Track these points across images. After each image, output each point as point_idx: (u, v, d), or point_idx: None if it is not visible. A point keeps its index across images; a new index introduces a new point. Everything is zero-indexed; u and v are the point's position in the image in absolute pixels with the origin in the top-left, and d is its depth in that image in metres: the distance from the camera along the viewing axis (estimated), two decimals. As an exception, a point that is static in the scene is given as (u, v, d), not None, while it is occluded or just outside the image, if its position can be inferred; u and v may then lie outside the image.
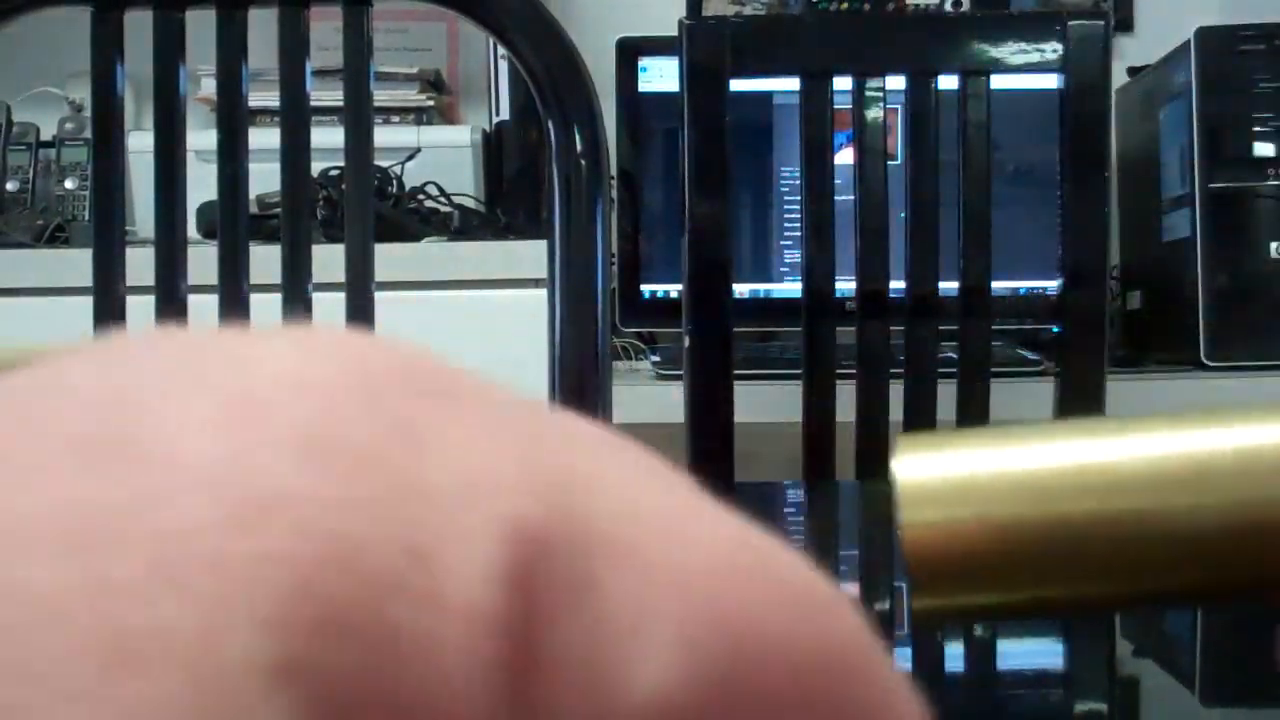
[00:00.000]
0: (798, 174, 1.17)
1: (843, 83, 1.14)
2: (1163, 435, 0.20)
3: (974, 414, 1.14)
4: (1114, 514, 0.19)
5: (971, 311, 1.15)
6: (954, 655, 0.46)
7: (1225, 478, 0.19)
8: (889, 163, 1.15)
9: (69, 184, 1.96)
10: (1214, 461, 0.19)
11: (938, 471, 0.20)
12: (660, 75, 1.94)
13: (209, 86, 1.82)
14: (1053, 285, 1.22)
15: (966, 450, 0.20)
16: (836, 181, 1.15)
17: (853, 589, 0.59)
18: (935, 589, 0.20)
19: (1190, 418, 0.20)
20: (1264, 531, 0.19)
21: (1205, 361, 1.60)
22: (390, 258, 1.46)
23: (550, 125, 0.91)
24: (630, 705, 0.11)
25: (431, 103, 2.00)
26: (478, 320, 1.59)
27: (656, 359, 1.66)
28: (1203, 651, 0.53)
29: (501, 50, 0.96)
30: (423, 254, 1.64)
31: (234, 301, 0.93)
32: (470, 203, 1.88)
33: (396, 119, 1.97)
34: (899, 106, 1.15)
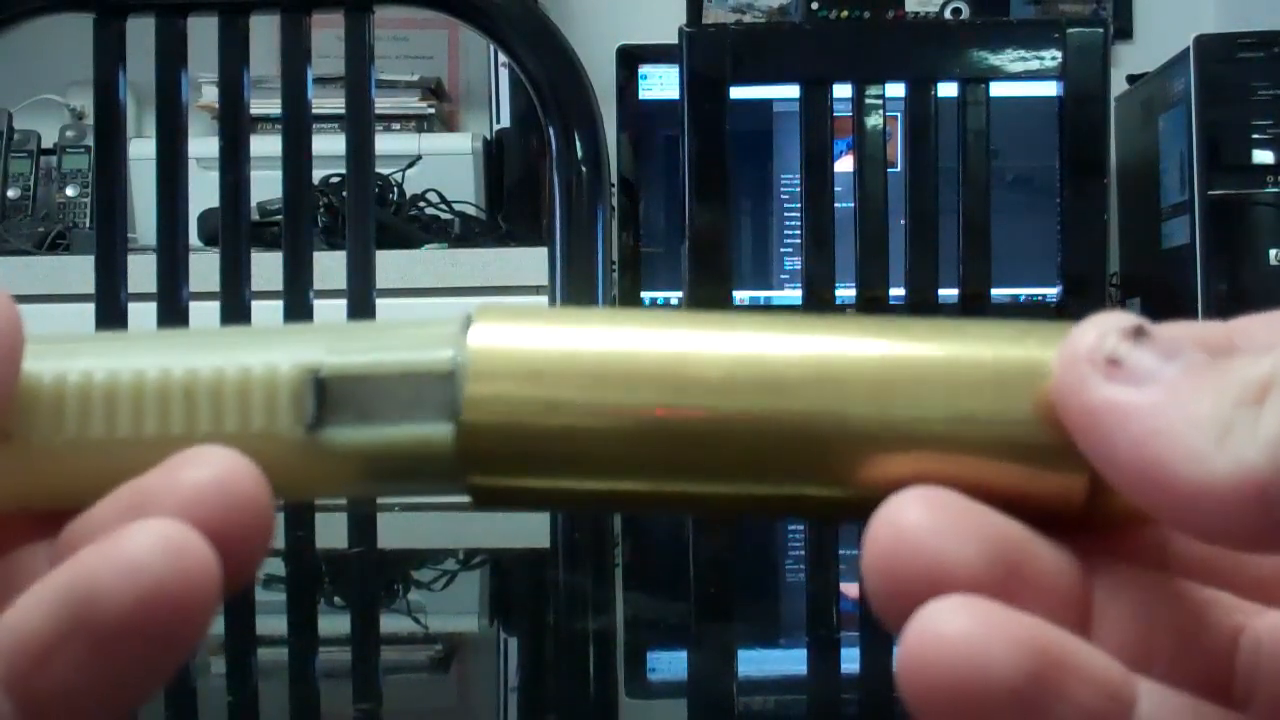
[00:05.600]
0: (798, 181, 1.17)
1: (843, 90, 1.14)
2: (748, 336, 0.19)
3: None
4: (683, 410, 0.18)
5: (971, 317, 1.15)
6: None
7: (796, 386, 0.18)
8: (889, 170, 1.15)
9: (70, 191, 1.96)
10: (788, 369, 0.18)
11: (512, 345, 0.19)
12: (660, 83, 1.94)
13: (210, 94, 1.82)
14: (1052, 293, 1.22)
15: (545, 327, 0.19)
16: (836, 188, 1.15)
17: (852, 592, 0.59)
18: (491, 468, 0.19)
19: (784, 323, 0.19)
20: (832, 442, 0.18)
21: (1205, 368, 1.60)
22: (391, 265, 1.47)
23: (551, 132, 0.91)
24: None
25: (432, 110, 2.00)
26: (478, 327, 1.58)
27: (657, 366, 1.66)
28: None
29: (502, 58, 0.96)
30: (424, 261, 1.64)
31: (235, 308, 0.93)
32: (471, 210, 1.88)
33: (398, 126, 1.97)
34: (899, 114, 1.15)
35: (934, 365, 0.18)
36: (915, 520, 0.17)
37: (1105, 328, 0.17)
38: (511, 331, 0.19)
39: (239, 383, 0.19)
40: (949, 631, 0.16)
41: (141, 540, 0.16)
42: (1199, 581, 0.19)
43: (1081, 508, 0.18)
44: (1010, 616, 0.16)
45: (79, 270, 1.32)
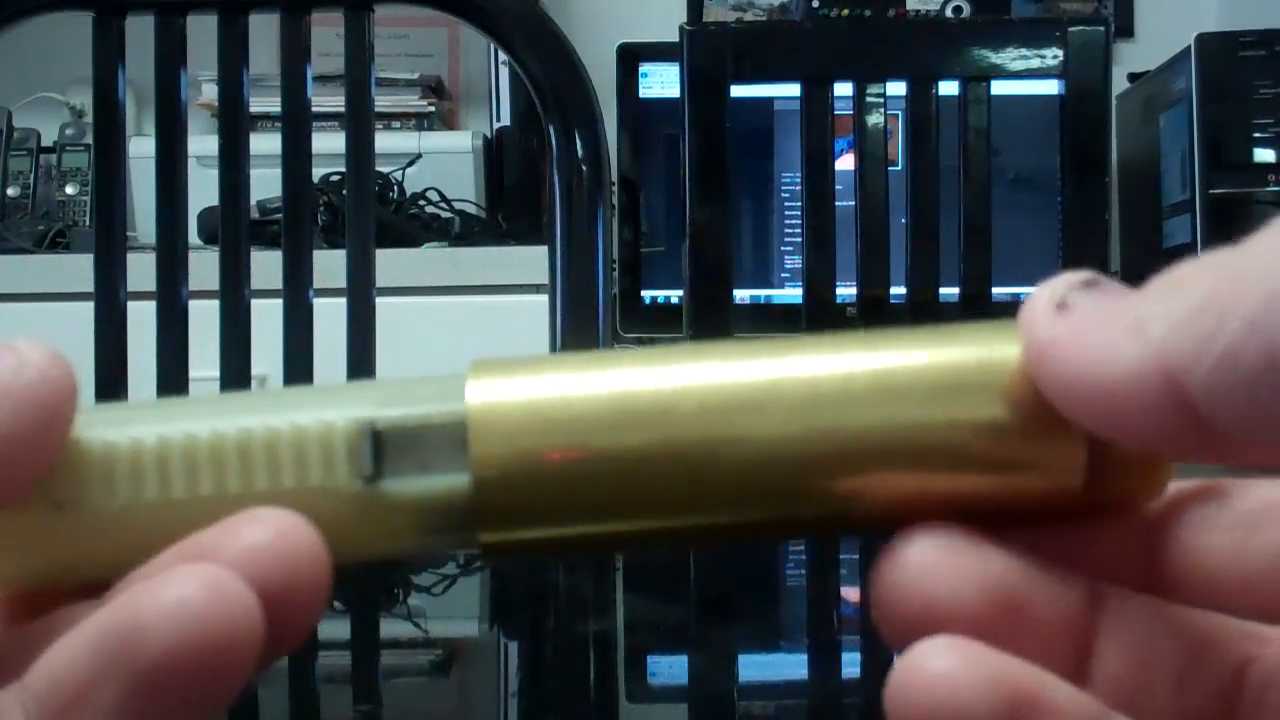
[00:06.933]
0: (798, 179, 1.17)
1: (843, 89, 1.14)
2: (738, 363, 0.19)
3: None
4: (681, 443, 0.19)
5: (972, 316, 1.15)
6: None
7: (789, 408, 0.19)
8: (890, 168, 1.15)
9: (70, 189, 1.96)
10: (779, 391, 0.19)
11: (511, 398, 0.19)
12: (661, 81, 1.94)
13: (210, 92, 1.82)
14: (1053, 291, 1.22)
15: (542, 376, 0.19)
16: (837, 187, 1.15)
17: (852, 595, 0.59)
18: (506, 522, 0.19)
19: (771, 346, 0.19)
20: (823, 466, 0.19)
21: (1206, 367, 1.60)
22: (391, 263, 1.46)
23: (551, 131, 0.91)
24: None
25: (432, 108, 2.00)
26: (479, 326, 1.59)
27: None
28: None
29: (503, 56, 0.96)
30: (424, 260, 1.64)
31: (235, 307, 0.93)
32: (471, 208, 1.88)
33: (398, 124, 1.97)
34: (900, 112, 1.15)
35: (925, 369, 0.19)
36: (918, 561, 0.18)
37: (1060, 282, 0.19)
38: (508, 385, 0.19)
39: (294, 439, 0.19)
40: (931, 670, 0.17)
41: (186, 582, 0.16)
42: (1209, 609, 0.19)
43: (1083, 489, 0.19)
44: (991, 657, 0.17)
45: (79, 269, 1.31)
